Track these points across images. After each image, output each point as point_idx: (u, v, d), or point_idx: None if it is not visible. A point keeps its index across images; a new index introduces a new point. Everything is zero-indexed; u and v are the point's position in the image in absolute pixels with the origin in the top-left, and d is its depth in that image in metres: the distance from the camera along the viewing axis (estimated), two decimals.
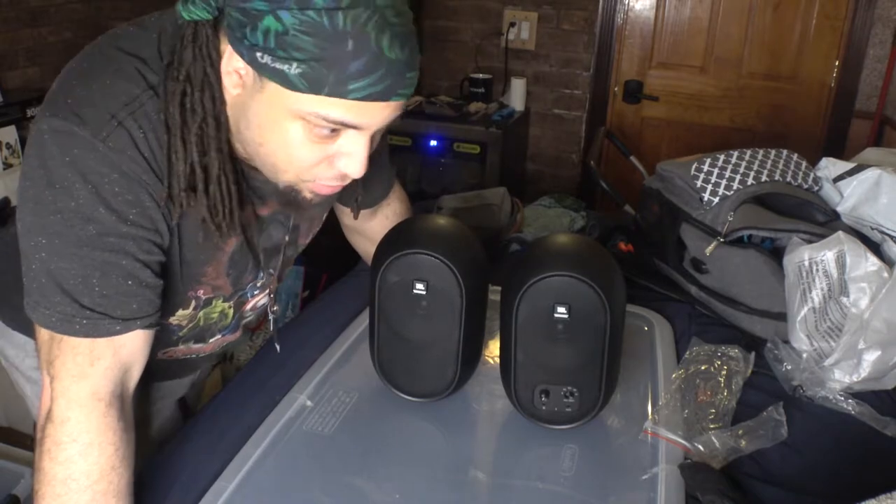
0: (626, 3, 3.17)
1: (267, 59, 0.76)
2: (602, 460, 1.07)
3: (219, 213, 0.87)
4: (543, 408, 1.08)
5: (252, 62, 0.78)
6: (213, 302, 1.05)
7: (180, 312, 1.01)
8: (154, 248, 0.87)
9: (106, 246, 0.82)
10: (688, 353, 1.26)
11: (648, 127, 3.34)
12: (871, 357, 1.19)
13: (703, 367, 1.22)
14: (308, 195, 0.88)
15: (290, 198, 0.89)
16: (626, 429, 1.12)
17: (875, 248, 1.31)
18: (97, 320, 0.83)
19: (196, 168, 0.84)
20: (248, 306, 1.14)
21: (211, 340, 1.13)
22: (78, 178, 0.79)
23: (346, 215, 1.31)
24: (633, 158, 2.56)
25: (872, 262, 1.21)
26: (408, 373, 1.14)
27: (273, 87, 0.78)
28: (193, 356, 1.14)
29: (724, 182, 1.46)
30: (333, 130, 0.81)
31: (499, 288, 1.12)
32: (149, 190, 0.83)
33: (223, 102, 0.84)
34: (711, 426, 1.10)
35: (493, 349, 1.23)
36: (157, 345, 1.00)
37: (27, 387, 1.22)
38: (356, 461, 1.08)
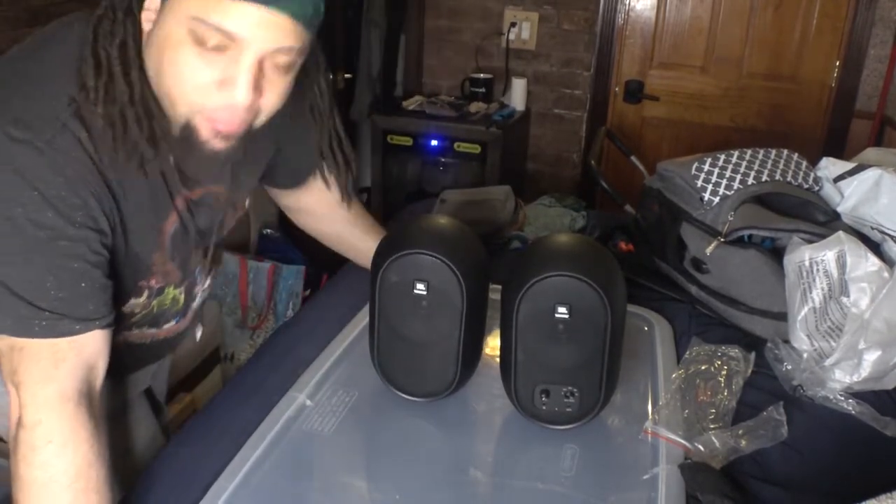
0: (627, 3, 3.17)
1: None
2: (602, 460, 1.07)
3: (128, 128, 0.85)
4: (544, 408, 1.08)
5: None
6: (165, 290, 1.06)
7: (133, 301, 1.02)
8: (102, 248, 0.88)
9: (57, 250, 0.83)
10: (688, 352, 1.26)
11: (649, 127, 3.34)
12: (871, 357, 1.19)
13: (703, 367, 1.22)
14: (204, 132, 0.87)
15: (187, 141, 0.88)
16: (627, 429, 1.12)
17: (875, 248, 1.31)
18: (56, 321, 0.84)
19: (116, 79, 0.85)
20: (197, 289, 1.15)
21: (165, 326, 1.13)
22: (24, 185, 0.80)
23: (282, 196, 1.33)
24: (633, 158, 2.55)
25: (873, 262, 1.21)
26: (408, 373, 1.14)
27: (172, 2, 0.81)
28: (148, 341, 1.13)
29: (724, 182, 1.46)
30: (219, 48, 0.81)
31: (499, 287, 1.12)
32: (92, 189, 0.84)
33: (141, 33, 0.86)
34: (711, 426, 1.10)
35: (493, 349, 1.23)
36: (114, 332, 1.01)
37: None
38: (356, 461, 1.08)
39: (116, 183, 0.88)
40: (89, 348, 0.87)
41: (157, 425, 1.35)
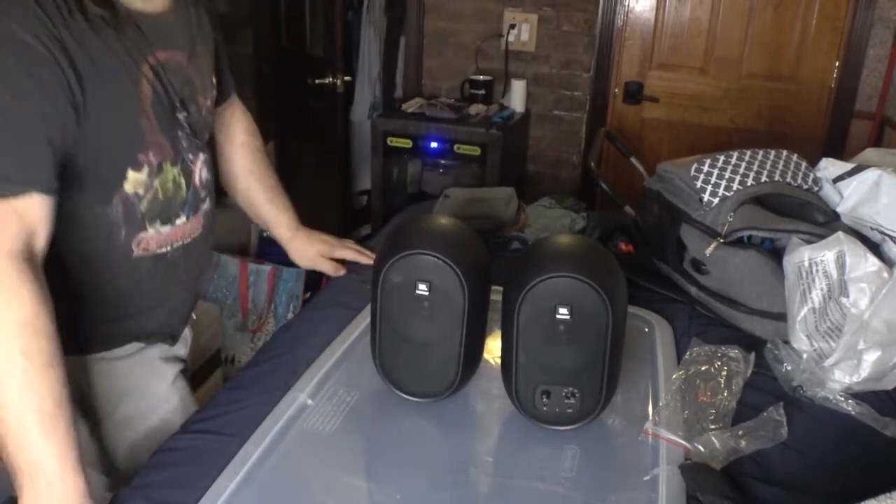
0: (627, 4, 3.18)
1: None
2: (603, 461, 1.08)
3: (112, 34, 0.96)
4: (544, 408, 1.08)
5: None
6: (164, 167, 1.10)
7: (132, 175, 1.06)
8: (52, 112, 0.93)
9: (3, 109, 0.89)
10: (688, 353, 1.27)
11: (649, 128, 3.34)
12: (871, 357, 1.20)
13: (703, 368, 1.22)
14: None
15: None
16: (627, 429, 1.12)
17: (875, 249, 1.31)
18: None
19: None
20: (196, 178, 1.18)
21: (177, 222, 1.15)
22: None
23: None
24: (633, 159, 2.56)
25: (872, 263, 1.21)
26: (409, 373, 1.14)
27: None
28: (168, 252, 1.16)
29: (723, 182, 1.46)
30: None
31: (500, 288, 1.12)
32: (51, 63, 0.91)
33: None
34: (712, 427, 1.10)
35: (494, 349, 1.24)
36: (129, 230, 1.09)
37: None
38: (357, 460, 1.08)
39: (79, 52, 0.94)
40: (31, 213, 0.92)
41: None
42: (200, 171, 1.19)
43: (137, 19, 1.03)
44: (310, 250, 1.53)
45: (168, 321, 1.25)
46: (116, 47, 0.99)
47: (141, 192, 1.08)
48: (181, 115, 1.12)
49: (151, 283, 1.16)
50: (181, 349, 1.34)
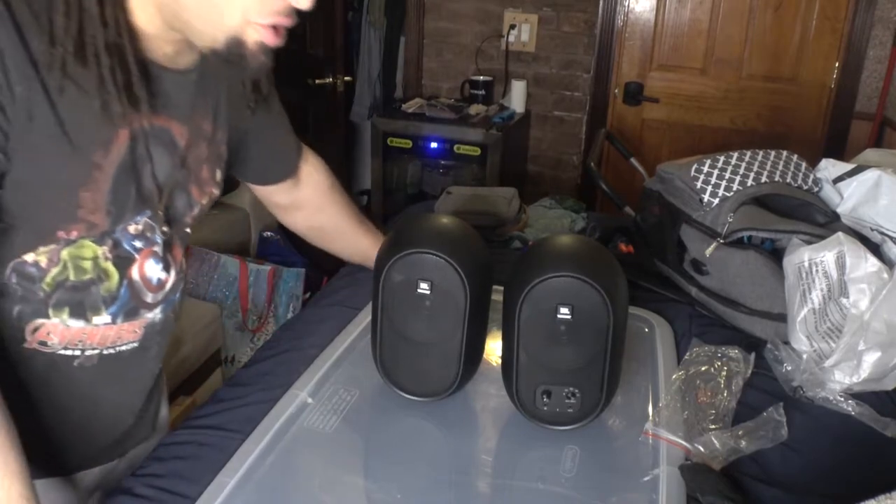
0: (627, 5, 3.18)
1: None
2: (603, 461, 1.08)
3: (108, 82, 0.76)
4: (545, 408, 1.08)
5: None
6: (81, 241, 0.84)
7: (41, 249, 0.82)
8: None
9: None
10: (688, 354, 1.27)
11: (649, 129, 3.35)
12: (871, 358, 1.20)
13: (703, 368, 1.22)
14: (253, 44, 0.77)
15: (233, 55, 0.78)
16: (627, 430, 1.12)
17: (875, 250, 1.32)
18: None
19: (85, 30, 0.74)
20: (136, 270, 0.90)
21: (96, 320, 0.88)
22: None
23: (274, 194, 1.28)
24: (633, 160, 2.56)
25: (872, 263, 1.21)
26: (410, 372, 1.14)
27: None
28: (74, 354, 0.89)
29: (723, 183, 1.46)
30: None
31: (501, 288, 1.12)
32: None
33: None
34: (712, 427, 1.10)
35: (494, 349, 1.24)
36: (25, 308, 0.85)
37: None
38: (357, 459, 1.08)
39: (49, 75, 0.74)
40: None
41: None
42: (145, 268, 0.91)
43: (148, 66, 0.81)
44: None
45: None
46: (92, 96, 0.76)
47: (44, 263, 0.82)
48: (157, 205, 0.89)
49: (36, 393, 0.89)
50: None
